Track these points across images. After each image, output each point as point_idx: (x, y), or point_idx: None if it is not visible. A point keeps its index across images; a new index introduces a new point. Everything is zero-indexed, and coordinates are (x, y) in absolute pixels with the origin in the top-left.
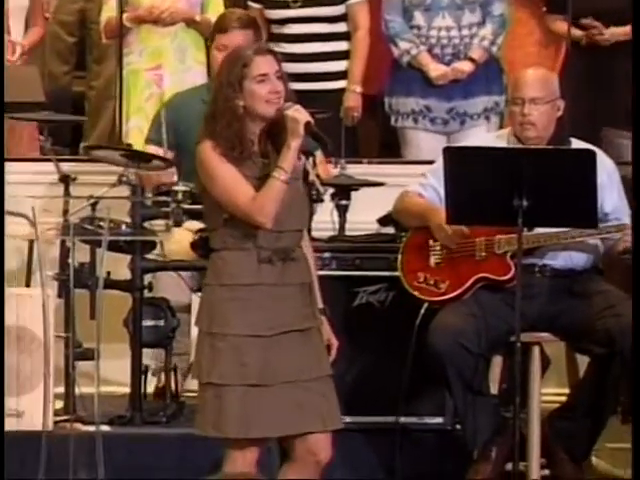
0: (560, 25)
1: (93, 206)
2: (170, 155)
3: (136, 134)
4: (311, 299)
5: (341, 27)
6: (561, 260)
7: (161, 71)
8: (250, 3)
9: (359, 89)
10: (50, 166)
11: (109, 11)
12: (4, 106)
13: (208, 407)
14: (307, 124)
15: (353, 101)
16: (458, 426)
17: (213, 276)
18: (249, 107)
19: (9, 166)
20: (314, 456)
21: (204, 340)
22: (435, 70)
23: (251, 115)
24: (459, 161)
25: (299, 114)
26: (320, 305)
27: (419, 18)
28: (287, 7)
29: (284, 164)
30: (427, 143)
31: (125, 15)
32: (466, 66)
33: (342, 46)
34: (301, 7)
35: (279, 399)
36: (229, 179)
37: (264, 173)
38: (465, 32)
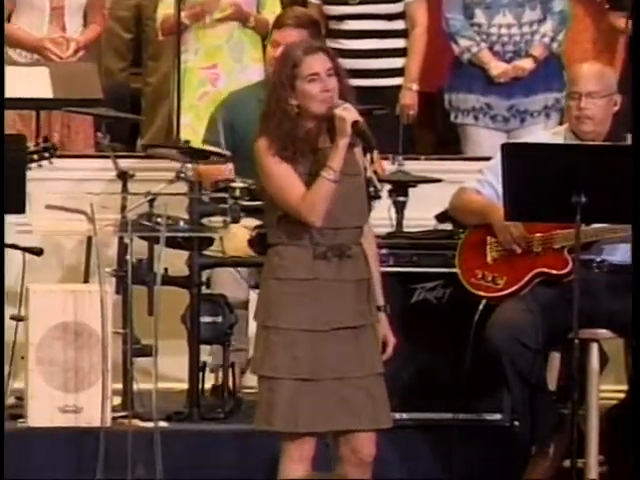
0: (621, 21)
1: (151, 202)
2: (228, 154)
3: (188, 132)
4: (369, 296)
5: (398, 24)
6: (619, 255)
7: (217, 70)
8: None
9: (415, 87)
10: (108, 163)
11: (165, 8)
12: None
13: (262, 400)
14: (354, 123)
15: (409, 99)
16: (516, 423)
17: (269, 271)
18: (302, 106)
19: (68, 163)
20: (357, 455)
21: (260, 334)
22: (496, 68)
23: (304, 114)
24: (517, 158)
25: (347, 113)
26: (380, 302)
27: (480, 16)
28: (345, 3)
29: (332, 163)
30: (488, 140)
31: (183, 14)
32: (527, 63)
33: (399, 43)
34: (359, 4)
35: (327, 395)
36: (282, 177)
37: (318, 170)
38: (526, 29)
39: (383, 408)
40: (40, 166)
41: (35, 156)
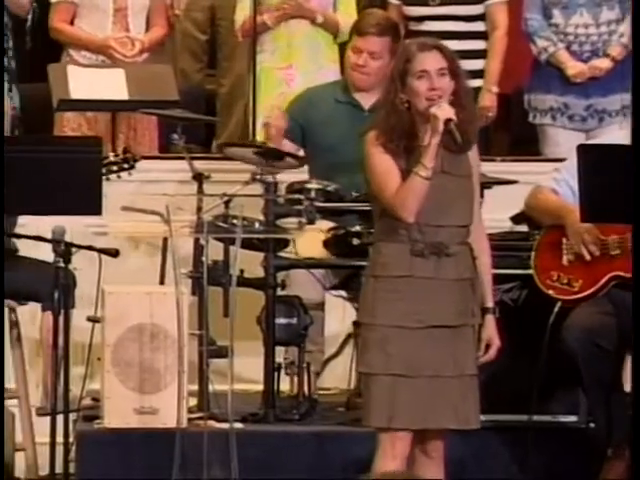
0: None
1: (226, 204)
2: (301, 152)
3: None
4: (472, 296)
5: (478, 26)
6: None
7: (292, 70)
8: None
9: (495, 89)
10: (184, 164)
11: (244, 10)
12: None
13: (363, 398)
14: (447, 121)
15: (489, 101)
16: (592, 424)
17: (369, 267)
18: (410, 102)
19: (143, 164)
20: (426, 455)
21: (360, 331)
22: (573, 68)
23: (412, 109)
24: (593, 159)
25: (440, 111)
26: (489, 304)
27: (557, 16)
28: (426, 4)
29: (424, 161)
30: (566, 140)
31: (266, 15)
32: (604, 63)
33: (478, 45)
34: (439, 5)
35: (422, 392)
36: (381, 170)
37: None
38: (603, 29)
39: (473, 409)
40: (119, 177)
41: (115, 167)
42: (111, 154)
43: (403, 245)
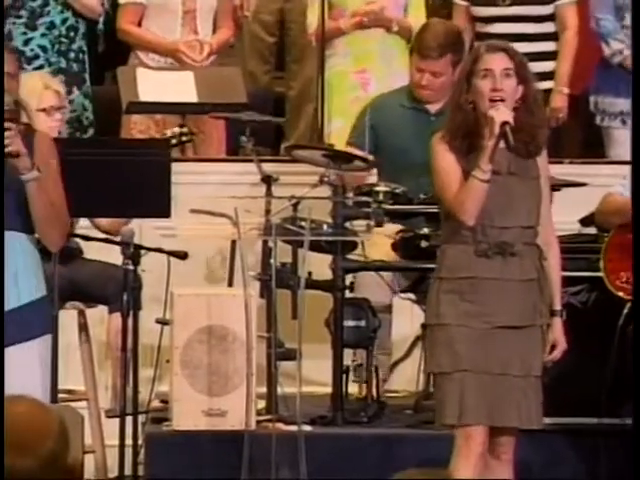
0: None
1: (295, 206)
2: (371, 157)
3: (339, 136)
4: (540, 297)
5: (548, 27)
6: None
7: (367, 75)
8: (456, 0)
9: (566, 90)
10: (252, 167)
11: (316, 13)
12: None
13: (435, 399)
14: (503, 124)
15: (560, 102)
16: None
17: (435, 270)
18: (475, 103)
19: (211, 167)
20: (495, 457)
21: (427, 333)
22: None
23: (477, 110)
24: None
25: (496, 113)
26: (556, 306)
27: (630, 19)
28: (495, 5)
29: (481, 163)
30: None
31: (341, 21)
32: None
33: (548, 46)
34: (509, 5)
35: (488, 389)
36: (444, 170)
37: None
38: None
39: (536, 409)
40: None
41: (174, 141)
42: (168, 131)
43: (467, 246)
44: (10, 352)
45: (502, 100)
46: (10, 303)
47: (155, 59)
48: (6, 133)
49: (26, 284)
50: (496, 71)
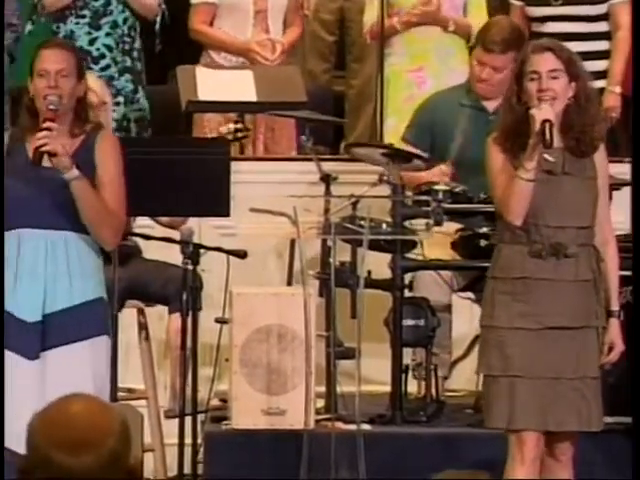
0: None
1: (354, 205)
2: (427, 155)
3: (392, 134)
4: (595, 298)
5: (600, 27)
6: None
7: (423, 73)
8: (512, 1)
9: (619, 89)
10: (311, 165)
11: (372, 12)
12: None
13: (484, 399)
14: (543, 122)
15: (612, 101)
16: None
17: (490, 269)
18: (526, 103)
19: (271, 165)
20: (554, 459)
21: (480, 332)
22: None
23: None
24: None
25: (538, 112)
26: (613, 307)
27: None
28: (548, 5)
29: (525, 162)
30: None
31: (395, 19)
32: None
33: (601, 46)
34: (562, 5)
35: (542, 393)
36: (495, 172)
37: (545, 169)
38: None
39: (595, 411)
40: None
41: (230, 136)
42: (223, 128)
43: (522, 246)
44: (60, 352)
45: (552, 99)
46: (63, 303)
47: (227, 58)
48: (43, 132)
49: (80, 285)
50: (542, 73)
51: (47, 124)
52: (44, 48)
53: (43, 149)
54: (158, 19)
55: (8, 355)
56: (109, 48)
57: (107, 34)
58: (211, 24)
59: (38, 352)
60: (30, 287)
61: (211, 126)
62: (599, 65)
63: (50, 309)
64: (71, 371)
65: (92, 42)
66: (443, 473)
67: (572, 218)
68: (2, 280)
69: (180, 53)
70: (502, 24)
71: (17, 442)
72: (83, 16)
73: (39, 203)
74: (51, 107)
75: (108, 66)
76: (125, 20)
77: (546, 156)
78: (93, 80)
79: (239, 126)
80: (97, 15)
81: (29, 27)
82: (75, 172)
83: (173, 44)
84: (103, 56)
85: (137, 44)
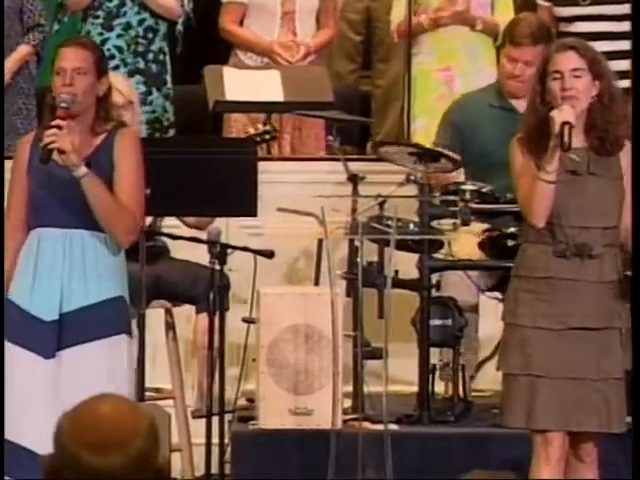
0: None
1: (381, 205)
2: (457, 156)
3: (423, 134)
4: (619, 299)
5: (626, 26)
6: None
7: (451, 72)
8: (539, 1)
9: None
10: (338, 165)
11: (400, 10)
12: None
13: (502, 398)
14: (562, 124)
15: None
16: None
17: (514, 268)
18: (550, 103)
19: (298, 165)
20: (579, 459)
21: (503, 330)
22: None
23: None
24: None
25: (557, 114)
26: None
27: None
28: (576, 5)
29: (546, 164)
30: None
31: (423, 17)
32: None
33: (627, 45)
34: (590, 5)
35: (564, 394)
36: (518, 173)
37: (570, 169)
38: None
39: (618, 412)
40: (262, 143)
41: (258, 138)
42: (251, 129)
43: (546, 246)
44: (75, 351)
45: (575, 98)
46: (79, 301)
47: (253, 58)
48: (52, 130)
49: (96, 284)
50: (565, 72)
51: (56, 122)
52: (63, 46)
53: (51, 146)
54: (180, 21)
55: (24, 353)
56: (119, 49)
57: (118, 35)
58: (241, 24)
59: (54, 351)
60: (48, 286)
61: (237, 126)
62: (625, 65)
63: (67, 308)
64: (86, 370)
65: (103, 43)
66: (470, 473)
67: (597, 218)
68: (2, 280)
69: (215, 53)
70: (529, 19)
71: (32, 440)
72: (97, 17)
73: (57, 202)
74: (63, 105)
75: (117, 67)
76: (141, 22)
77: (572, 156)
78: (120, 80)
79: (267, 128)
80: (110, 16)
81: (55, 27)
82: (84, 169)
83: (207, 43)
84: (112, 57)
85: (155, 46)
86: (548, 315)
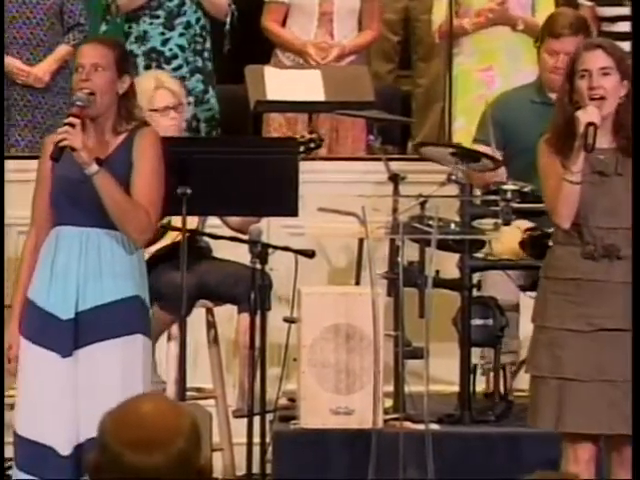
0: None
1: (422, 205)
2: (498, 155)
3: (463, 134)
4: None
5: None
6: None
7: (492, 72)
8: (581, 1)
9: None
10: (379, 165)
11: (441, 11)
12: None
13: (531, 399)
14: (587, 125)
15: None
16: None
17: (542, 269)
18: (578, 103)
19: (338, 165)
20: (620, 456)
21: (532, 331)
22: None
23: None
24: None
25: (582, 114)
26: None
27: None
28: (619, 5)
29: (570, 164)
30: None
31: (465, 20)
32: None
33: None
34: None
35: (594, 396)
36: (544, 173)
37: (597, 169)
38: None
39: None
40: (307, 153)
41: (302, 147)
42: (297, 136)
43: (574, 247)
44: (90, 350)
45: (602, 98)
46: (94, 300)
47: (291, 58)
48: (64, 127)
49: (111, 283)
50: (593, 70)
51: (69, 119)
52: (83, 44)
53: (62, 144)
54: (228, 19)
55: (42, 352)
56: (182, 48)
57: (180, 34)
58: (284, 23)
59: (71, 349)
60: (64, 284)
61: (275, 126)
62: None
63: (82, 307)
64: (100, 369)
65: (165, 42)
66: (534, 474)
67: (625, 220)
68: (2, 280)
69: (260, 52)
70: (566, 11)
71: (50, 438)
72: (157, 16)
73: (74, 200)
74: (78, 103)
75: (180, 66)
76: (198, 20)
77: (600, 157)
78: (170, 80)
79: (313, 136)
80: (171, 15)
81: (103, 27)
82: (95, 167)
83: (250, 43)
84: (175, 56)
85: (208, 44)
86: (577, 317)
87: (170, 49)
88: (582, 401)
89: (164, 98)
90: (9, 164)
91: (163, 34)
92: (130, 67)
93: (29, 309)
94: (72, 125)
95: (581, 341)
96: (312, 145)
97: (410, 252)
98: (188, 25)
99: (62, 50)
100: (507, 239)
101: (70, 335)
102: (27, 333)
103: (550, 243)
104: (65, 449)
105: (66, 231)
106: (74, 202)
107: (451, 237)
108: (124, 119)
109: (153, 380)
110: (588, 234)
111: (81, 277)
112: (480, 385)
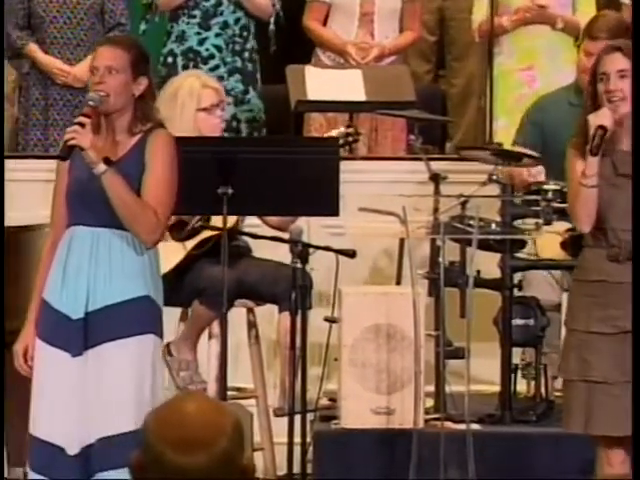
0: None
1: (463, 205)
2: (538, 155)
3: (503, 134)
4: None
5: None
6: None
7: (533, 72)
8: (623, 0)
9: None
10: (420, 165)
11: (481, 10)
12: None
13: (563, 402)
14: (597, 128)
15: None
16: None
17: (574, 272)
18: (600, 106)
19: (379, 165)
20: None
21: (565, 335)
22: None
23: None
24: None
25: (593, 117)
26: None
27: None
28: None
29: (585, 168)
30: None
31: (504, 18)
32: None
33: None
34: None
35: (623, 398)
36: (569, 177)
37: (621, 172)
38: None
39: None
40: (345, 147)
41: (341, 141)
42: (334, 131)
43: (601, 250)
44: (100, 349)
45: (622, 99)
46: (103, 300)
47: (331, 57)
48: (74, 127)
49: (120, 283)
50: (611, 73)
51: (79, 119)
52: (99, 45)
53: (70, 143)
54: (272, 20)
55: (54, 351)
56: (218, 48)
57: (217, 34)
58: (325, 22)
59: (82, 349)
60: (75, 285)
61: (315, 126)
62: None
63: (92, 307)
64: (109, 369)
65: (202, 42)
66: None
67: None
68: (2, 279)
69: (303, 52)
70: (608, 15)
71: (59, 437)
72: (194, 16)
73: (86, 200)
74: (90, 103)
75: (217, 66)
76: (237, 20)
77: (624, 158)
78: (212, 79)
79: (350, 130)
80: (207, 15)
81: (143, 27)
82: (102, 167)
83: (294, 43)
84: (212, 56)
85: (249, 44)
86: (602, 319)
87: (207, 49)
88: (610, 404)
89: (210, 96)
90: (45, 164)
91: (199, 34)
92: (148, 69)
93: (44, 310)
94: (82, 125)
95: (608, 344)
96: (350, 139)
97: (451, 252)
98: (225, 25)
99: None
100: (548, 240)
101: (80, 335)
102: (42, 334)
103: None
104: (73, 449)
105: (79, 231)
106: (85, 202)
107: (492, 237)
108: (139, 120)
109: (195, 380)
110: (613, 237)
111: (92, 277)
112: (521, 385)
